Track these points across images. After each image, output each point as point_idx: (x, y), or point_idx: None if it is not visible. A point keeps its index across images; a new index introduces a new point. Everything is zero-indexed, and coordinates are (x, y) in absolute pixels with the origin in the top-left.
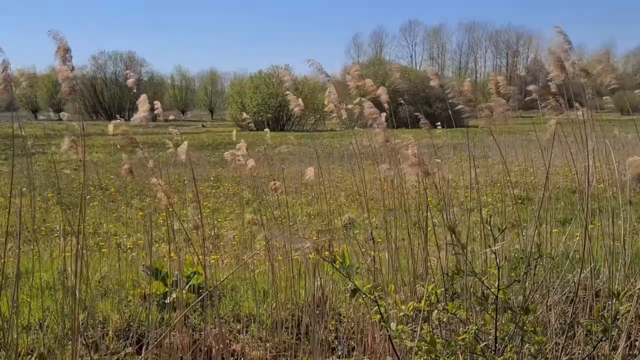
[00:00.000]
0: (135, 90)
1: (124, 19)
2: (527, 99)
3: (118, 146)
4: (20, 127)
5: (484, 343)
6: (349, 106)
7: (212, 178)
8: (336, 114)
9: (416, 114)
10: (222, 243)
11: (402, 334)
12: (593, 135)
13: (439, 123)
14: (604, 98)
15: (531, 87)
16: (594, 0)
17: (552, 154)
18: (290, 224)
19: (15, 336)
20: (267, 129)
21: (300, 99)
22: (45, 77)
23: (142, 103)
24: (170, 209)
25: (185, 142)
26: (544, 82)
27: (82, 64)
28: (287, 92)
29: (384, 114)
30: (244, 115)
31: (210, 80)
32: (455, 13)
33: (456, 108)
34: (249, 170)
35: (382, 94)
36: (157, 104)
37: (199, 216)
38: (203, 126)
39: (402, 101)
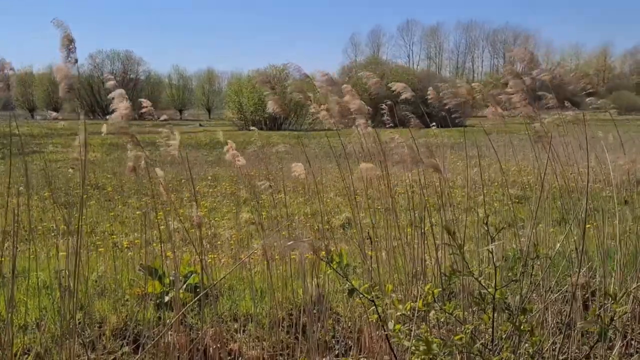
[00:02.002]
0: (109, 90)
1: (124, 19)
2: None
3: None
4: (17, 125)
5: (480, 342)
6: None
7: (209, 177)
8: (324, 114)
9: (404, 113)
10: (219, 242)
11: (400, 334)
12: (588, 135)
13: (434, 123)
14: (599, 101)
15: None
16: (594, 0)
17: (547, 154)
18: (288, 223)
19: (11, 335)
20: (254, 128)
21: (273, 99)
22: (43, 76)
23: (119, 99)
24: (168, 208)
25: (178, 136)
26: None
27: (79, 62)
28: (291, 91)
29: (362, 121)
30: (229, 114)
31: (207, 79)
32: (454, 12)
33: (448, 107)
34: (242, 168)
35: (356, 100)
36: (146, 102)
37: (199, 214)
38: (200, 125)
39: (390, 102)
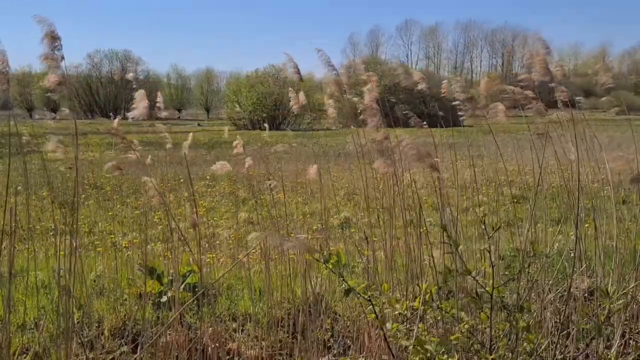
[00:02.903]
0: (134, 86)
1: (124, 18)
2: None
3: (113, 146)
4: (15, 125)
5: (474, 339)
6: (348, 96)
7: (208, 177)
8: (332, 111)
9: (405, 112)
10: (218, 242)
11: (397, 333)
12: (586, 135)
13: (425, 123)
14: (602, 99)
15: (510, 88)
16: (594, 0)
17: (543, 154)
18: (286, 223)
19: (9, 335)
20: (266, 125)
21: (302, 92)
22: (41, 75)
23: (141, 98)
24: (166, 208)
25: (191, 134)
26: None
27: (78, 62)
28: (290, 88)
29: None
30: (237, 108)
31: (206, 78)
32: (452, 12)
33: (455, 103)
34: (247, 168)
35: (373, 90)
36: (160, 98)
37: (194, 215)
38: (199, 125)
39: (393, 99)
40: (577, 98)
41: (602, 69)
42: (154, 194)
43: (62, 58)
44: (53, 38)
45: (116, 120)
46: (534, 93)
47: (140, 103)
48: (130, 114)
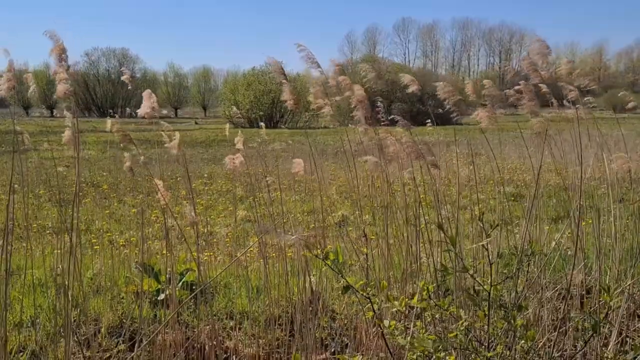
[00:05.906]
0: (130, 87)
1: (123, 17)
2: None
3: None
4: (13, 122)
5: (476, 339)
6: (338, 98)
7: (205, 175)
8: (328, 109)
9: (392, 117)
10: (215, 240)
11: (395, 331)
12: (585, 133)
13: (429, 121)
14: (620, 93)
15: (516, 87)
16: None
17: (542, 152)
18: (284, 221)
19: (5, 333)
20: (262, 124)
21: (293, 95)
22: (38, 73)
23: (147, 97)
24: (165, 208)
25: (178, 135)
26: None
27: (75, 60)
28: (283, 82)
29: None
30: (234, 109)
31: (203, 77)
32: (450, 11)
33: (447, 109)
34: (241, 165)
35: (357, 90)
36: (154, 98)
37: (194, 213)
38: (196, 123)
39: (381, 100)
40: (586, 98)
41: (579, 74)
42: (161, 192)
43: (68, 67)
44: (61, 50)
45: (108, 121)
46: (532, 93)
47: (146, 102)
48: (139, 111)
